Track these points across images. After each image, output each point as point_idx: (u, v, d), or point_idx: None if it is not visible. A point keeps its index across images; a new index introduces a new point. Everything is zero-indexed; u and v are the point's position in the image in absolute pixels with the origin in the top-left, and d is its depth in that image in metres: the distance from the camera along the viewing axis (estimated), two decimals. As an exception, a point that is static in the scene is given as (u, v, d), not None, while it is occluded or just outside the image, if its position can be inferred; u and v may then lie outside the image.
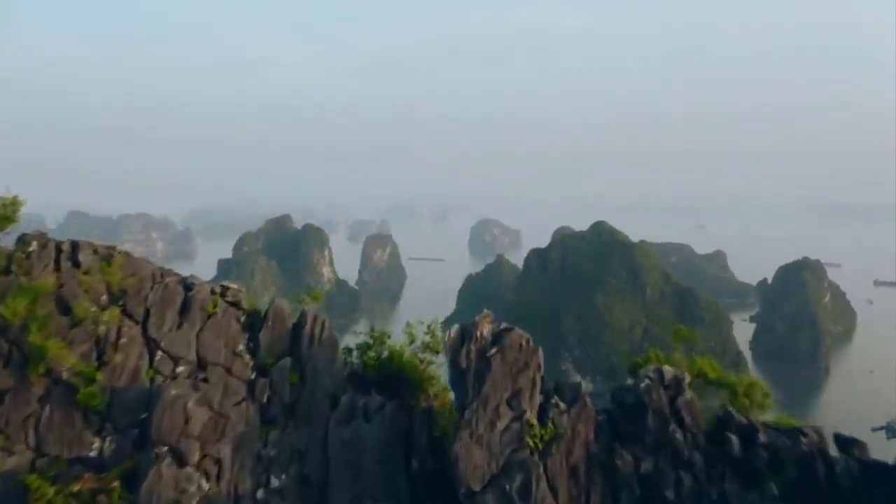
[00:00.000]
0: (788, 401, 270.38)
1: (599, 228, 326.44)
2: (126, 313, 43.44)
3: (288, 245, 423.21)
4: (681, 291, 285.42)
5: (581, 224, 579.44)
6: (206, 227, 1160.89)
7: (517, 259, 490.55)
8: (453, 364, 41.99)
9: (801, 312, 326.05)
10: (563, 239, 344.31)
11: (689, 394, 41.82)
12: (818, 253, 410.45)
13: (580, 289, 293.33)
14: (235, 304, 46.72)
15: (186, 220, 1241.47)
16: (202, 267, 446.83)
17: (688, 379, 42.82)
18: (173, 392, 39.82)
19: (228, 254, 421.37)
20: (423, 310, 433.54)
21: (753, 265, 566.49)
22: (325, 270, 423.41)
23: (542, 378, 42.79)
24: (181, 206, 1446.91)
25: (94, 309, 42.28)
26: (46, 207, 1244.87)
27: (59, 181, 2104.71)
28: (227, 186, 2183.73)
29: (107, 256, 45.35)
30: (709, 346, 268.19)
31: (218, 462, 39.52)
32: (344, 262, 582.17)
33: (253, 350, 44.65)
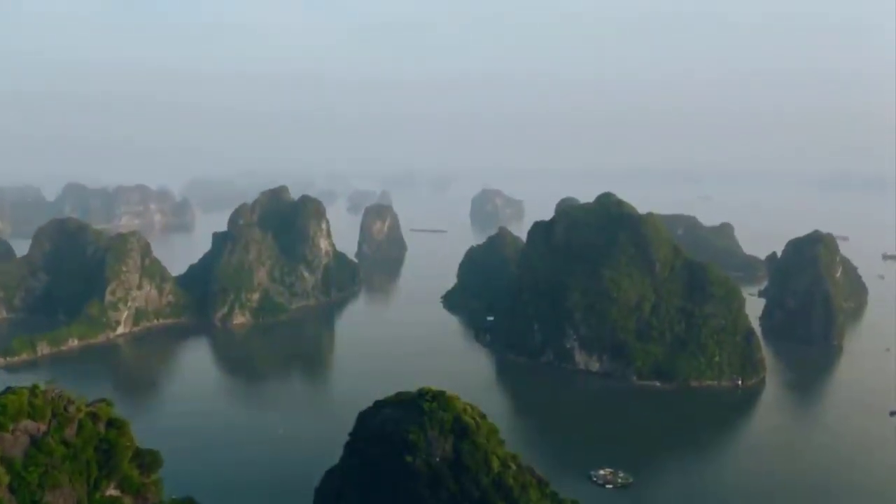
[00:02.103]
0: (801, 381, 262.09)
1: (605, 200, 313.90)
2: None
3: (284, 217, 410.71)
4: (691, 266, 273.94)
5: (584, 194, 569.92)
6: (205, 198, 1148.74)
7: (519, 230, 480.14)
8: None
9: (814, 289, 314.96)
10: (568, 210, 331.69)
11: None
12: (824, 225, 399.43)
13: (586, 263, 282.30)
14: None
15: (185, 190, 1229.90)
16: (200, 239, 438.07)
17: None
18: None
19: (227, 225, 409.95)
20: (423, 283, 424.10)
21: (760, 237, 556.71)
22: (323, 243, 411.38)
23: None
24: (180, 177, 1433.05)
25: None
26: (45, 180, 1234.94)
27: (58, 153, 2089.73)
28: (227, 156, 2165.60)
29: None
30: (719, 323, 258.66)
31: None
32: (344, 233, 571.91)
33: None
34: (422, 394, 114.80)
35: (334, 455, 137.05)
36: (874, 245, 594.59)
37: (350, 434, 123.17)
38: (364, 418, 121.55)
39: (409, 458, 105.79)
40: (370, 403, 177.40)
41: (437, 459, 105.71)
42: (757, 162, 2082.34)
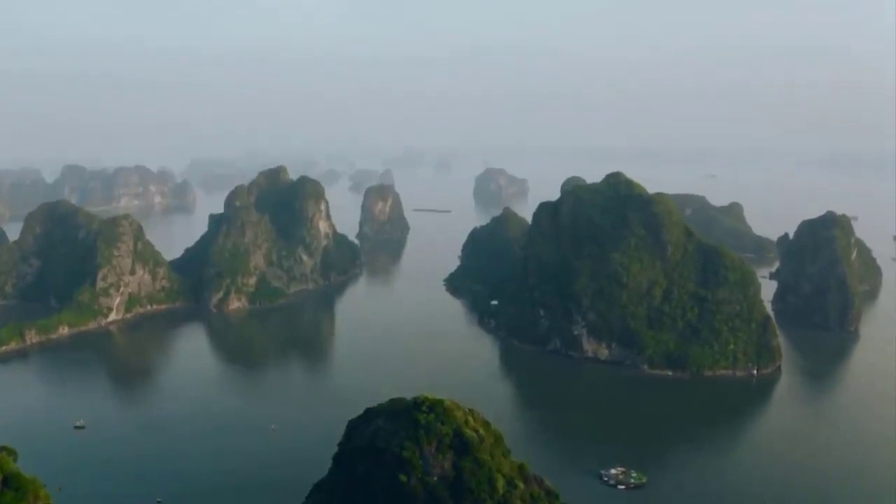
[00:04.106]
0: (818, 370, 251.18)
1: (614, 180, 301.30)
2: None
3: (282, 199, 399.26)
4: (704, 249, 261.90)
5: (588, 173, 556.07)
6: (206, 179, 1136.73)
7: (523, 210, 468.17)
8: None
9: (829, 272, 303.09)
10: (575, 191, 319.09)
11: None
12: (831, 205, 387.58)
13: (594, 245, 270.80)
14: None
15: (186, 171, 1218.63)
16: (200, 220, 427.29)
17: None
18: None
19: (223, 207, 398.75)
20: (426, 265, 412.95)
21: (769, 217, 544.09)
22: (322, 225, 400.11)
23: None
24: (181, 158, 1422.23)
25: None
26: (45, 162, 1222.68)
27: (58, 134, 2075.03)
28: (228, 136, 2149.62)
29: None
30: (734, 309, 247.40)
31: None
32: (347, 213, 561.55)
33: None
34: (417, 403, 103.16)
35: (326, 458, 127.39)
36: (884, 225, 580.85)
37: (339, 445, 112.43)
38: (353, 429, 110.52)
39: (402, 478, 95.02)
40: (368, 397, 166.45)
41: (435, 479, 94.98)
42: (757, 141, 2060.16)
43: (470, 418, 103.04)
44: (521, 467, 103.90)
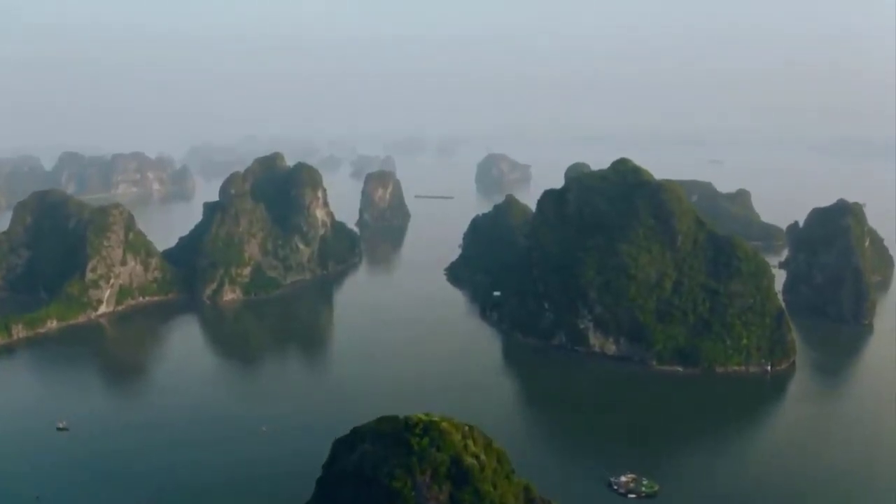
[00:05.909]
0: (834, 365, 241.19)
1: (622, 167, 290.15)
2: None
3: (278, 186, 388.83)
4: (716, 239, 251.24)
5: (592, 159, 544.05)
6: (205, 165, 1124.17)
7: (526, 196, 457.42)
8: None
9: (844, 263, 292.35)
10: (581, 178, 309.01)
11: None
12: (839, 191, 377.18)
13: (601, 235, 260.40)
14: None
15: (185, 158, 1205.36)
16: (199, 208, 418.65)
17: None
18: None
19: (217, 195, 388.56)
20: (427, 254, 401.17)
21: (777, 204, 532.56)
22: (319, 213, 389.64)
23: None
24: (180, 144, 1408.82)
25: None
26: (44, 149, 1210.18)
27: (56, 121, 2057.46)
28: (228, 122, 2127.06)
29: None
30: (746, 302, 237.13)
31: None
32: (348, 200, 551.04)
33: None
34: (409, 425, 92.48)
35: (316, 468, 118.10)
36: (891, 212, 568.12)
37: (323, 467, 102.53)
38: (339, 450, 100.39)
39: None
40: (366, 396, 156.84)
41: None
42: (759, 126, 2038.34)
43: (469, 441, 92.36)
44: (526, 489, 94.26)
